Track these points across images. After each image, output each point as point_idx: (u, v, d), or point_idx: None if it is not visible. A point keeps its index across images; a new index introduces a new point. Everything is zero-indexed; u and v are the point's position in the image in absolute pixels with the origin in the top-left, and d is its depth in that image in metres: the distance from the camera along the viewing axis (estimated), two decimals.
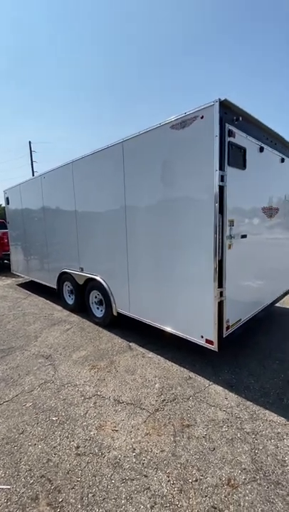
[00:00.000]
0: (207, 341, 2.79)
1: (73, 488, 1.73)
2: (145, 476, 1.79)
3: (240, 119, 2.66)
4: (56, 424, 2.28)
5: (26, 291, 6.94)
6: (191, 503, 1.62)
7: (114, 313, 4.04)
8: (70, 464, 1.90)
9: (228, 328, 2.81)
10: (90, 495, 1.68)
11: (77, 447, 2.04)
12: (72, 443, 2.08)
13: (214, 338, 2.71)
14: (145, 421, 2.29)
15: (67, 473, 1.84)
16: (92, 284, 4.45)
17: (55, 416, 2.38)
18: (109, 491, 1.70)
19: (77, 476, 1.81)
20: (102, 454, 1.98)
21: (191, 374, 2.95)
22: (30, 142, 27.58)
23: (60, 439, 2.13)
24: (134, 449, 2.01)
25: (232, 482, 1.74)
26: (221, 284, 2.67)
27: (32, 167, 27.87)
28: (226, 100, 2.44)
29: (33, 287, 7.07)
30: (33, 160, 27.83)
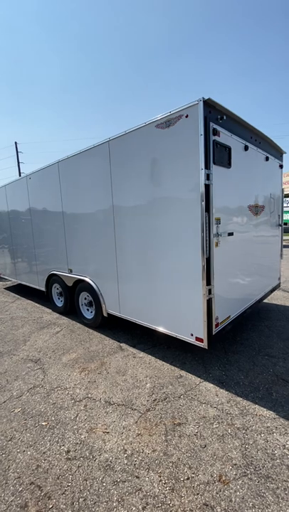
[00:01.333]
0: (197, 339, 2.80)
1: (64, 493, 1.70)
2: (137, 477, 1.78)
3: (225, 117, 2.68)
4: (46, 429, 2.24)
5: (14, 294, 6.80)
6: (183, 501, 1.62)
7: (105, 314, 4.00)
8: (60, 469, 1.87)
9: (217, 325, 2.83)
10: (80, 499, 1.65)
11: (68, 451, 2.01)
12: (62, 447, 2.05)
13: (204, 335, 2.72)
14: (136, 421, 2.27)
15: (58, 478, 1.80)
16: (81, 285, 4.40)
17: (45, 421, 2.34)
18: (100, 494, 1.68)
19: (68, 480, 1.78)
20: (93, 457, 1.95)
21: (182, 372, 2.95)
22: (16, 143, 27.11)
23: (50, 444, 2.09)
24: (126, 451, 1.99)
25: (223, 478, 1.75)
26: (209, 282, 2.69)
27: (19, 168, 27.40)
28: (209, 99, 2.45)
29: (22, 290, 6.94)
30: (20, 161, 27.35)
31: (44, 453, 2.01)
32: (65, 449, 2.03)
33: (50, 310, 5.35)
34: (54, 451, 2.02)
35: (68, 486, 1.75)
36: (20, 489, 1.74)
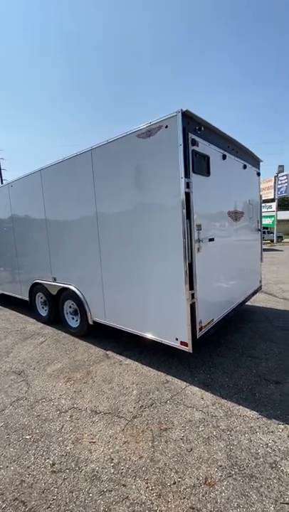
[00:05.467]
0: (182, 343, 2.84)
1: (49, 507, 1.66)
2: (124, 486, 1.77)
3: (202, 128, 2.80)
4: (30, 443, 2.18)
5: None
6: (169, 506, 1.62)
7: (90, 322, 3.97)
8: (45, 483, 1.83)
9: (201, 329, 2.89)
10: None
11: (53, 464, 1.97)
12: (47, 461, 2.00)
13: (188, 339, 2.77)
14: (123, 429, 2.27)
15: (43, 492, 1.76)
16: (65, 293, 4.35)
17: (29, 434, 2.28)
18: (86, 505, 1.66)
19: (53, 494, 1.75)
20: (79, 468, 1.93)
21: (168, 377, 2.97)
22: None
23: (35, 457, 2.04)
24: (112, 459, 1.98)
25: (209, 480, 1.77)
26: (192, 287, 2.75)
27: (0, 175, 26.85)
28: (187, 111, 2.56)
29: (4, 301, 6.73)
30: (2, 168, 26.84)
31: (28, 467, 1.96)
32: (50, 462, 1.99)
33: (34, 320, 5.23)
34: (39, 464, 1.98)
35: (54, 499, 1.71)
36: (4, 506, 1.68)
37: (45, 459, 2.02)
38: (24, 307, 5.78)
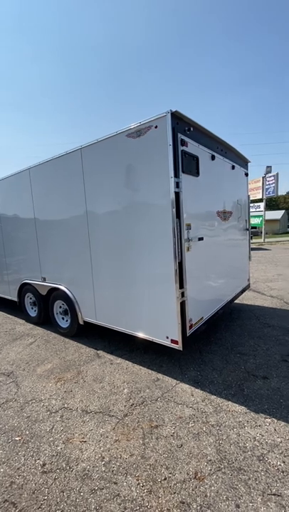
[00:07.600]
0: (172, 341, 2.87)
1: (40, 507, 1.66)
2: (115, 483, 1.78)
3: (192, 129, 2.83)
4: (20, 444, 2.16)
5: None
6: (160, 501, 1.65)
7: (81, 322, 3.95)
8: (35, 484, 1.82)
9: (191, 326, 2.93)
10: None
11: (43, 465, 1.96)
12: (37, 461, 1.99)
13: (178, 337, 2.80)
14: (114, 428, 2.27)
15: (33, 493, 1.75)
16: (55, 293, 4.31)
17: (19, 436, 2.25)
18: (78, 504, 1.66)
19: (44, 494, 1.74)
20: (69, 467, 1.92)
21: (159, 375, 3.00)
22: None
23: (25, 459, 2.02)
24: (104, 458, 1.98)
25: (199, 475, 1.81)
26: (182, 285, 2.78)
27: None
28: (177, 112, 2.59)
29: None
30: None
31: (18, 468, 1.94)
32: (41, 463, 1.98)
33: (24, 321, 5.16)
34: (29, 465, 1.96)
35: (44, 499, 1.70)
36: None
37: (35, 460, 2.00)
38: (12, 308, 5.69)
